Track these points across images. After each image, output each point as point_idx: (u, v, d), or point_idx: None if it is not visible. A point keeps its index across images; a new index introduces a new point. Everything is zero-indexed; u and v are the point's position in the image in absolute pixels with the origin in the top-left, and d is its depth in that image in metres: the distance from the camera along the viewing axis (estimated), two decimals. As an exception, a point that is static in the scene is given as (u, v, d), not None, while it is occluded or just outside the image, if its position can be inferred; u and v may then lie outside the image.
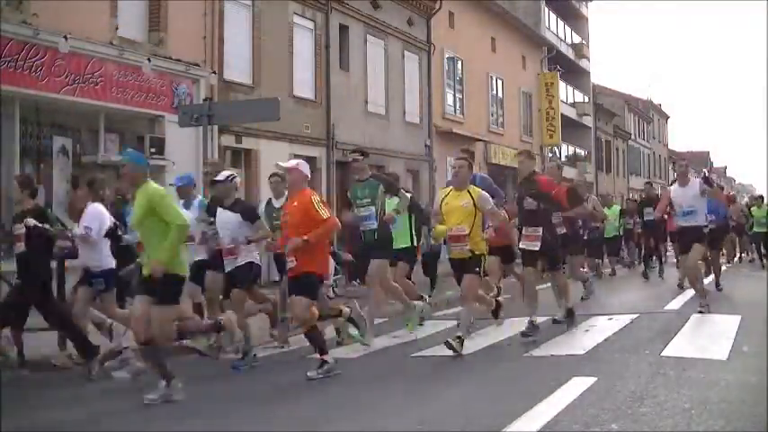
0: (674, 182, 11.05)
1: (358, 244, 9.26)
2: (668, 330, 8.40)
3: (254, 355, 7.87)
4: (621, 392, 5.54)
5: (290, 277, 7.24)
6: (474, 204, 7.70)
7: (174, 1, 14.47)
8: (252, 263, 7.98)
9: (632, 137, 51.45)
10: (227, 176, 8.08)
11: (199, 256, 8.53)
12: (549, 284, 9.47)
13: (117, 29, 13.41)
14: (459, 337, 7.50)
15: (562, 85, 36.27)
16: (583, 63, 42.32)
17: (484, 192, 8.01)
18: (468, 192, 7.81)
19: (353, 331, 8.43)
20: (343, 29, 19.95)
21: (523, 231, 8.74)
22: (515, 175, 29.14)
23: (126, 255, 7.92)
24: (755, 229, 19.61)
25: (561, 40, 38.96)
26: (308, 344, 8.86)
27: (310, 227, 6.88)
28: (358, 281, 14.21)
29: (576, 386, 5.66)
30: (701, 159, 79.08)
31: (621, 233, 18.38)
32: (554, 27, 38.07)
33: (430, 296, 11.34)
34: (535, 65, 34.29)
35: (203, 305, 8.88)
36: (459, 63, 26.48)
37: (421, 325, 9.45)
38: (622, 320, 9.40)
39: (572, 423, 4.73)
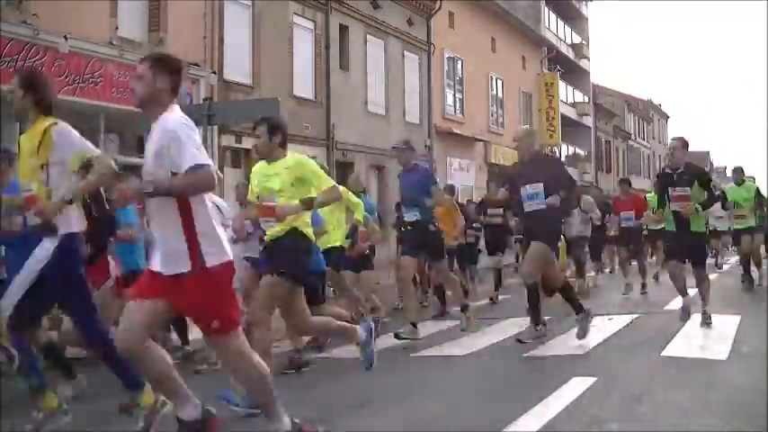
0: None
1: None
2: (668, 330, 8.39)
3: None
4: (621, 392, 5.54)
5: None
6: None
7: (174, 1, 14.47)
8: None
9: (632, 137, 51.46)
10: None
11: None
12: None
13: (117, 29, 13.41)
14: None
15: (562, 85, 36.27)
16: (583, 63, 42.31)
17: None
18: None
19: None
20: (343, 29, 19.95)
21: None
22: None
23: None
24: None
25: (561, 40, 38.97)
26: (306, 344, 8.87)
27: None
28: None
29: (576, 386, 5.65)
30: (701, 159, 79.16)
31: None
32: (554, 27, 38.08)
33: None
34: (535, 65, 34.29)
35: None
36: (459, 63, 26.49)
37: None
38: (622, 320, 9.40)
39: (572, 423, 4.73)
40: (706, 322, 8.50)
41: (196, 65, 14.90)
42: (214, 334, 4.03)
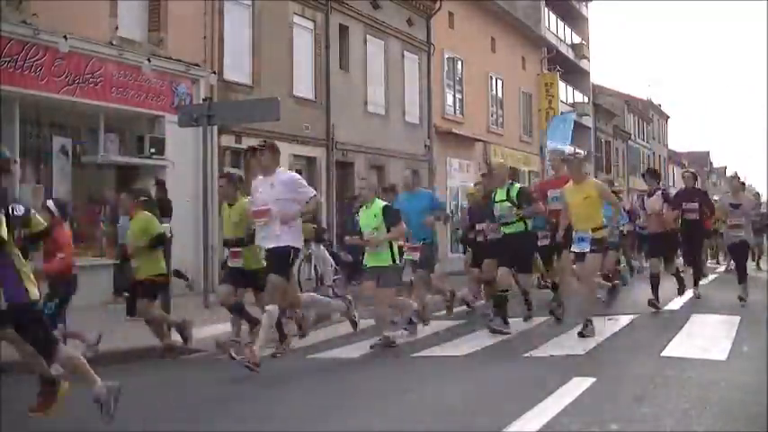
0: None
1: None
2: (668, 330, 8.40)
3: None
4: (621, 392, 5.54)
5: None
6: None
7: (174, 1, 14.47)
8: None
9: (632, 137, 51.45)
10: None
11: None
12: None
13: (117, 29, 13.41)
14: None
15: (562, 85, 36.25)
16: (583, 63, 42.30)
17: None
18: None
19: None
20: (343, 29, 19.94)
21: None
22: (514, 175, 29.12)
23: None
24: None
25: (561, 40, 38.94)
26: (307, 343, 8.88)
27: None
28: (357, 281, 14.22)
29: (576, 386, 5.65)
30: (701, 159, 79.15)
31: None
32: (554, 27, 38.05)
33: None
34: (535, 65, 34.28)
35: None
36: (459, 63, 26.48)
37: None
38: (622, 320, 9.40)
39: (572, 423, 4.73)
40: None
41: (196, 65, 14.90)
42: None
